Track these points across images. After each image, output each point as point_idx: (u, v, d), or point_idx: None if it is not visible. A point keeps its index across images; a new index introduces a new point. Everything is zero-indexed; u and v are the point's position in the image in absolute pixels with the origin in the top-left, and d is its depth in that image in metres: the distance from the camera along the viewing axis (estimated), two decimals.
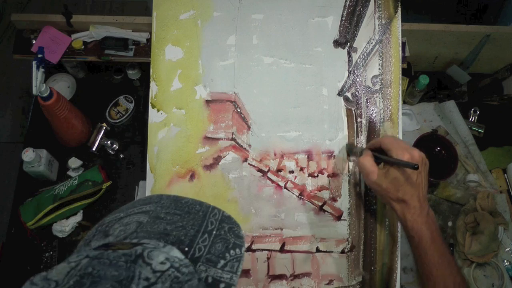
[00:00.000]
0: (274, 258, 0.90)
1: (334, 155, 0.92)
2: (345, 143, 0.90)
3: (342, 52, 0.94)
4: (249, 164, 0.91)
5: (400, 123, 0.92)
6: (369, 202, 0.91)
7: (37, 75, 0.96)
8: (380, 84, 0.93)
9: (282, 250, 0.90)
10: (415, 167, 0.67)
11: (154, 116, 0.92)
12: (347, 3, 0.94)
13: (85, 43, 1.11)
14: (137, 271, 0.37)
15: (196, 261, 0.42)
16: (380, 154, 0.76)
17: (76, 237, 1.07)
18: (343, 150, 0.92)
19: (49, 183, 1.12)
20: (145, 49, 1.11)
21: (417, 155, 0.72)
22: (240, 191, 0.91)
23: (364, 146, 0.91)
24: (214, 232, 0.45)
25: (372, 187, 0.76)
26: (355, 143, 0.92)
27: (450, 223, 1.12)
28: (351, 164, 0.92)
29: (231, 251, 0.44)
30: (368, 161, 0.75)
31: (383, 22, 0.94)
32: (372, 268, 0.90)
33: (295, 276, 0.90)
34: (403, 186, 0.71)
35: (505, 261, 1.08)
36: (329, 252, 0.90)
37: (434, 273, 0.70)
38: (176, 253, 0.40)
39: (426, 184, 0.74)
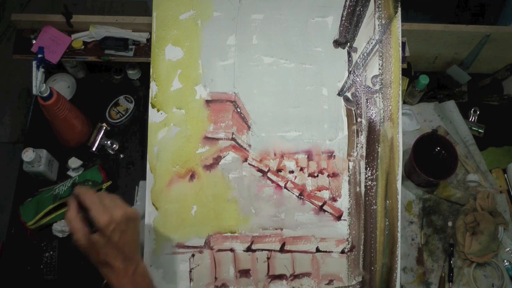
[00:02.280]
0: (274, 258, 0.90)
1: (334, 155, 0.92)
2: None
3: (342, 52, 0.94)
4: (249, 164, 0.91)
5: (400, 123, 0.92)
6: (369, 202, 0.91)
7: (37, 75, 0.96)
8: (380, 84, 0.93)
9: (282, 250, 0.90)
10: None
11: (154, 116, 0.92)
12: (347, 3, 0.94)
13: (85, 43, 1.11)
14: None
15: None
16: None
17: None
18: (344, 151, 0.92)
19: (49, 183, 1.12)
20: (145, 49, 1.11)
21: (118, 215, 0.65)
22: (240, 191, 0.91)
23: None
24: None
25: (78, 246, 0.65)
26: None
27: (450, 223, 1.12)
28: (351, 164, 0.92)
29: None
30: (73, 215, 0.65)
31: (383, 22, 0.94)
32: (372, 268, 0.90)
33: (295, 276, 0.90)
34: (104, 249, 0.65)
35: (505, 261, 1.08)
36: (329, 252, 0.90)
37: None
38: None
39: (132, 242, 0.68)
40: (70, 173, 1.13)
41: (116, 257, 0.66)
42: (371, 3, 0.94)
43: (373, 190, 0.91)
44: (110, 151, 1.17)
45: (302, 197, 0.91)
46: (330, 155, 0.92)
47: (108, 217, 0.65)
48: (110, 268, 0.66)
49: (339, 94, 0.93)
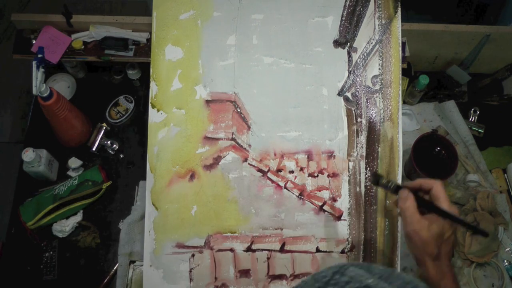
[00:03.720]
0: (274, 258, 0.90)
1: (334, 155, 0.92)
2: (370, 173, 0.85)
3: (342, 52, 0.94)
4: (249, 164, 0.91)
5: (400, 123, 0.92)
6: (369, 202, 0.91)
7: (37, 75, 0.96)
8: (380, 84, 0.93)
9: (282, 250, 0.90)
10: (486, 235, 0.64)
11: (154, 116, 0.92)
12: (347, 3, 0.94)
13: (85, 43, 1.11)
14: None
15: None
16: (422, 197, 0.71)
17: (76, 237, 1.07)
18: (344, 151, 0.92)
19: (49, 183, 1.12)
20: (145, 49, 1.11)
21: (453, 207, 0.68)
22: (240, 191, 0.91)
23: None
24: None
25: (410, 236, 0.68)
26: (384, 175, 0.88)
27: None
28: (351, 164, 0.92)
29: None
30: (412, 207, 0.68)
31: (383, 22, 0.94)
32: None
33: (295, 276, 0.90)
34: (442, 243, 0.67)
35: (505, 261, 1.08)
36: (329, 252, 0.90)
37: None
38: None
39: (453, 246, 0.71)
40: (70, 173, 1.13)
41: (446, 253, 0.67)
42: (371, 3, 0.94)
43: (373, 190, 0.91)
44: (110, 151, 1.17)
45: (302, 197, 0.91)
46: (330, 155, 0.92)
47: (456, 209, 0.67)
48: (439, 263, 0.67)
49: (339, 94, 0.93)
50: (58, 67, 1.20)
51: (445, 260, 0.67)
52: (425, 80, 1.15)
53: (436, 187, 0.69)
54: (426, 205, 0.69)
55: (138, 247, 1.03)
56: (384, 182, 0.74)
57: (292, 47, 0.94)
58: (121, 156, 1.17)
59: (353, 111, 0.93)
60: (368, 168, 0.92)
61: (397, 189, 0.73)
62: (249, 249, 0.90)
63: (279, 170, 0.92)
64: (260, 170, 0.91)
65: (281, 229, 0.90)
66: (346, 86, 0.93)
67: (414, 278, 0.42)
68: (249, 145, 0.92)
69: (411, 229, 0.67)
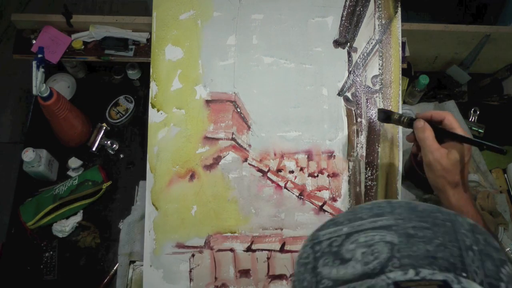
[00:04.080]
0: (274, 258, 0.90)
1: (334, 155, 0.92)
2: (377, 107, 0.82)
3: (342, 52, 0.94)
4: (249, 164, 0.91)
5: None
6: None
7: (37, 75, 0.96)
8: (380, 84, 0.93)
9: (282, 250, 0.90)
10: (504, 152, 0.66)
11: (154, 116, 0.92)
12: (347, 3, 0.94)
13: (85, 43, 1.11)
14: None
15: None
16: (437, 126, 0.71)
17: (76, 237, 1.07)
18: (344, 151, 0.92)
19: (49, 183, 1.12)
20: (145, 49, 1.11)
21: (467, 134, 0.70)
22: (240, 191, 0.91)
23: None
24: (475, 247, 0.37)
25: (431, 164, 0.69)
26: (397, 111, 0.88)
27: None
28: (351, 164, 0.92)
29: (503, 269, 0.36)
30: (431, 136, 0.68)
31: (383, 22, 0.94)
32: None
33: None
34: (462, 169, 0.68)
35: None
36: None
37: None
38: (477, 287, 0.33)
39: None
40: (70, 173, 1.13)
41: (465, 180, 0.69)
42: (371, 3, 0.94)
43: (373, 190, 0.91)
44: (110, 151, 1.16)
45: (302, 197, 0.91)
46: (330, 155, 0.92)
47: (463, 130, 0.69)
48: (459, 190, 0.68)
49: (339, 94, 0.93)
50: (58, 67, 1.20)
51: (464, 187, 0.68)
52: (425, 80, 1.15)
53: (448, 116, 0.71)
54: (442, 133, 0.70)
55: (138, 247, 1.03)
56: (397, 117, 0.74)
57: (292, 47, 0.94)
58: (121, 156, 1.17)
59: (353, 111, 0.93)
60: (368, 168, 0.92)
61: (410, 122, 0.73)
62: (249, 249, 0.90)
63: (279, 170, 0.92)
64: (260, 170, 0.91)
65: (281, 229, 0.90)
66: (346, 86, 0.93)
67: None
68: (249, 145, 0.92)
69: (432, 158, 0.68)
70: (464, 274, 0.34)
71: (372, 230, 0.37)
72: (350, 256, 0.36)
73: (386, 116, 0.75)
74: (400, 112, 0.93)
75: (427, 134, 0.69)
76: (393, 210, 0.39)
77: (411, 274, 0.34)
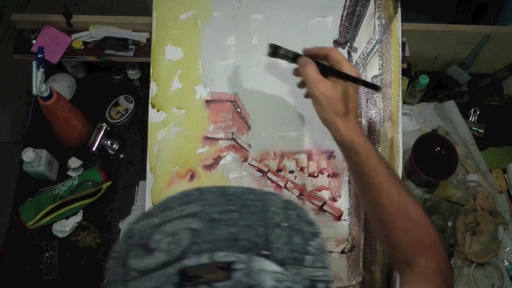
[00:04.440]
0: None
1: (334, 155, 0.92)
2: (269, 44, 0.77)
3: (342, 52, 0.94)
4: (249, 164, 0.91)
5: (400, 123, 0.92)
6: None
7: (37, 75, 0.96)
8: (380, 84, 0.93)
9: None
10: (379, 88, 0.67)
11: (154, 116, 0.92)
12: (347, 3, 0.94)
13: (85, 43, 1.11)
14: None
15: (282, 262, 0.35)
16: (320, 62, 0.71)
17: (76, 237, 1.07)
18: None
19: (49, 183, 1.12)
20: (145, 49, 1.11)
21: (355, 69, 0.71)
22: None
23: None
24: (284, 223, 0.38)
25: (316, 97, 0.69)
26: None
27: (450, 223, 1.11)
28: None
29: (311, 242, 0.38)
30: (313, 70, 0.69)
31: (383, 22, 0.94)
32: (372, 268, 0.90)
33: None
34: (348, 100, 0.68)
35: (505, 261, 1.08)
36: (329, 252, 0.90)
37: (387, 186, 0.65)
38: (271, 266, 0.34)
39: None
40: (70, 173, 1.13)
41: (355, 111, 0.69)
42: (371, 3, 0.94)
43: None
44: (110, 151, 1.17)
45: (302, 197, 0.91)
46: (330, 155, 0.92)
47: (356, 72, 0.69)
48: (348, 120, 0.67)
49: None
50: (58, 67, 1.20)
51: (353, 117, 0.68)
52: (425, 80, 1.15)
53: (334, 53, 0.70)
54: (324, 69, 0.70)
55: None
56: (283, 52, 0.74)
57: (292, 47, 0.94)
58: (121, 156, 1.17)
59: None
60: None
61: (295, 57, 0.73)
62: None
63: (279, 170, 0.92)
64: (260, 170, 0.91)
65: None
66: None
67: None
68: (249, 145, 0.92)
69: (316, 90, 0.67)
70: (264, 252, 0.35)
71: (179, 219, 0.37)
72: (156, 246, 0.36)
73: (273, 50, 0.75)
74: (400, 112, 0.93)
75: (309, 68, 0.68)
76: (202, 196, 0.40)
77: (204, 259, 0.34)
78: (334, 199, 0.91)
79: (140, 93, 1.23)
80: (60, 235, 1.06)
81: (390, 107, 0.93)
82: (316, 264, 0.37)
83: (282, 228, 0.38)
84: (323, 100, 0.67)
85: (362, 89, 0.93)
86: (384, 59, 0.93)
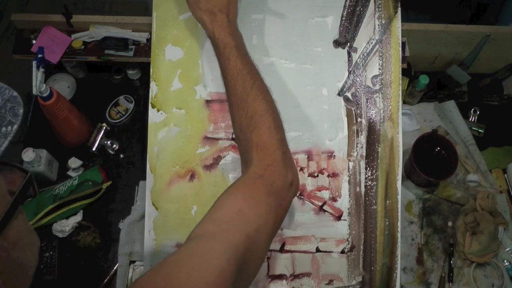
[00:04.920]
0: (274, 258, 0.90)
1: (334, 155, 0.92)
2: None
3: (342, 52, 0.94)
4: None
5: (400, 123, 0.92)
6: (369, 202, 0.91)
7: (37, 75, 0.96)
8: (380, 84, 0.93)
9: (282, 250, 0.90)
10: None
11: (154, 116, 0.92)
12: (347, 3, 0.94)
13: (85, 43, 1.11)
14: None
15: None
16: None
17: (76, 237, 1.07)
18: (344, 151, 0.92)
19: (49, 183, 1.12)
20: (145, 49, 1.11)
21: None
22: None
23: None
24: None
25: (187, 1, 0.76)
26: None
27: (450, 223, 1.12)
28: (351, 164, 0.92)
29: (3, 128, 0.46)
30: None
31: (383, 22, 0.94)
32: (372, 268, 0.90)
33: (295, 276, 0.90)
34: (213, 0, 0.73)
35: (505, 261, 1.08)
36: (329, 252, 0.90)
37: (235, 77, 0.69)
38: None
39: (235, 6, 0.76)
40: (70, 173, 1.13)
41: (222, 9, 0.73)
42: (371, 3, 0.94)
43: (373, 190, 0.91)
44: (110, 151, 1.17)
45: (302, 197, 0.91)
46: (330, 155, 0.92)
47: None
48: (214, 16, 0.73)
49: (339, 94, 0.93)
50: (58, 67, 1.20)
51: (221, 15, 0.73)
52: (425, 80, 1.15)
53: None
54: None
55: (138, 247, 1.03)
56: None
57: (292, 47, 0.94)
58: (121, 156, 1.17)
59: (353, 111, 0.93)
60: (368, 168, 0.92)
61: None
62: None
63: None
64: None
65: (281, 229, 0.90)
66: (346, 86, 0.93)
67: None
68: None
69: None
70: None
71: None
72: None
73: None
74: (400, 112, 0.93)
75: None
76: None
77: None
78: (334, 199, 0.91)
79: (140, 93, 1.23)
80: (60, 235, 1.06)
81: (390, 107, 0.93)
82: None
83: None
84: (191, 1, 0.74)
85: (362, 89, 0.93)
86: (384, 59, 0.93)
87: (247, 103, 0.67)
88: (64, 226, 1.06)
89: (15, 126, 0.47)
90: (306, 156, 0.92)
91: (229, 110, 0.71)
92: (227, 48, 0.71)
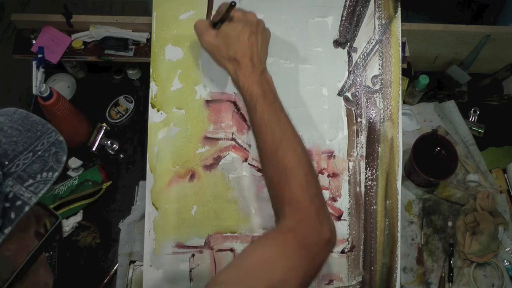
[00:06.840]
0: None
1: (334, 155, 0.92)
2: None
3: (342, 52, 0.94)
4: (249, 164, 0.91)
5: (400, 123, 0.92)
6: (369, 202, 0.91)
7: (37, 75, 0.96)
8: (380, 84, 0.93)
9: None
10: (232, 4, 0.69)
11: (154, 116, 0.92)
12: (347, 3, 0.94)
13: (85, 43, 1.11)
14: None
15: (8, 175, 0.43)
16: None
17: (76, 237, 1.07)
18: (344, 151, 0.92)
19: None
20: (145, 49, 1.11)
21: (249, 15, 0.73)
22: (240, 191, 0.91)
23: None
24: (40, 152, 0.46)
25: (206, 47, 0.74)
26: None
27: (450, 223, 1.12)
28: (351, 164, 0.92)
29: (44, 173, 0.45)
30: (201, 22, 0.74)
31: (383, 22, 0.94)
32: (372, 268, 0.90)
33: None
34: (234, 45, 0.70)
35: (505, 261, 1.08)
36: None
37: (264, 130, 0.66)
38: None
39: (262, 47, 0.73)
40: (70, 173, 1.13)
41: (245, 54, 0.70)
42: (371, 3, 0.94)
43: (373, 190, 0.91)
44: (110, 151, 1.17)
45: None
46: (330, 155, 0.92)
47: (241, 13, 0.73)
48: (237, 64, 0.70)
49: (339, 94, 0.93)
50: (58, 67, 1.20)
51: (246, 61, 0.70)
52: (425, 80, 1.15)
53: (220, 6, 0.73)
54: (216, 23, 0.74)
55: (138, 247, 1.03)
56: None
57: (292, 47, 0.94)
58: (121, 156, 1.17)
59: (353, 111, 0.93)
60: (368, 168, 0.92)
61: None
62: None
63: None
64: (260, 170, 0.91)
65: None
66: (346, 86, 0.93)
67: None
68: (249, 145, 0.92)
69: (203, 41, 0.73)
70: (6, 162, 0.44)
71: None
72: None
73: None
74: (400, 112, 0.93)
75: (197, 23, 0.74)
76: (14, 113, 0.48)
77: None
78: (334, 199, 0.91)
79: (140, 93, 1.23)
80: None
81: (390, 107, 0.93)
82: (31, 188, 0.44)
83: (34, 154, 0.46)
84: (210, 47, 0.73)
85: (362, 89, 0.93)
86: (384, 59, 0.93)
87: (277, 157, 0.65)
88: (64, 226, 1.06)
89: (56, 174, 0.46)
90: None
91: (259, 160, 0.69)
92: (253, 98, 0.68)
